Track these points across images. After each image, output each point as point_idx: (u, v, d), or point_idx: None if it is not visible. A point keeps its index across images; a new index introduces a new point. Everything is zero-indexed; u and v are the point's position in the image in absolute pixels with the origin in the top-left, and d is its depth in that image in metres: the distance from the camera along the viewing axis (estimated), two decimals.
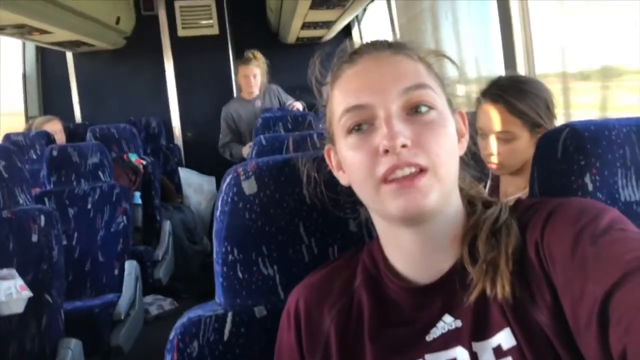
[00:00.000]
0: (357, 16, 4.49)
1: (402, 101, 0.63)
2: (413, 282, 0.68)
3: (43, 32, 3.39)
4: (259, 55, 3.88)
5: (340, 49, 0.72)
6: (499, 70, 2.15)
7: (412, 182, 0.61)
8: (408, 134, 0.61)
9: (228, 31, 4.84)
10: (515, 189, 1.33)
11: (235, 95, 4.61)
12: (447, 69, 0.75)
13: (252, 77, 3.84)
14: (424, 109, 0.63)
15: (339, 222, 0.84)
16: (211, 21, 4.81)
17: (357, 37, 4.82)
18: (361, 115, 0.64)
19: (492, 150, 1.32)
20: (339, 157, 0.70)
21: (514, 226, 0.64)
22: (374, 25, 4.43)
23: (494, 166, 1.34)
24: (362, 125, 0.64)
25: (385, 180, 0.62)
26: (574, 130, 0.77)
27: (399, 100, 0.63)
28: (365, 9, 4.30)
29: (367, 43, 0.71)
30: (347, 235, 0.84)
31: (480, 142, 1.35)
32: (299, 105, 3.89)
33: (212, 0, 4.76)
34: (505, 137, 1.30)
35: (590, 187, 0.75)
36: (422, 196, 0.61)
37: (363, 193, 0.67)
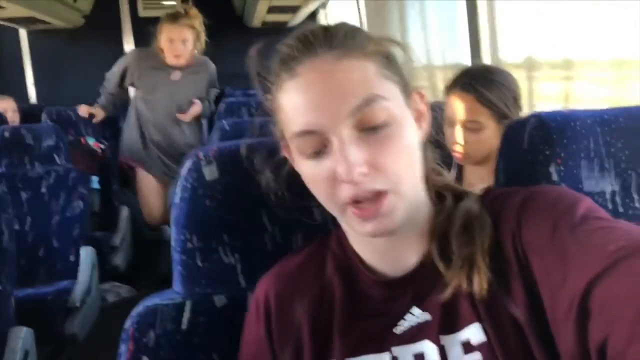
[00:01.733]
0: (323, 2, 4.45)
1: (354, 121, 0.58)
2: (383, 275, 0.67)
3: None
4: (194, 12, 2.98)
5: (277, 48, 0.65)
6: (465, 59, 2.17)
7: (375, 207, 0.59)
8: (364, 159, 0.57)
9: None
10: (479, 179, 1.34)
11: None
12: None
13: (181, 42, 2.93)
14: (379, 128, 0.59)
15: (304, 211, 0.82)
16: (174, 2, 4.69)
17: (324, 22, 4.78)
18: (314, 141, 0.60)
19: (459, 139, 1.32)
20: (296, 164, 0.67)
21: (487, 218, 0.63)
22: (340, 10, 4.40)
23: (459, 155, 1.34)
24: (317, 151, 0.60)
25: (349, 202, 0.60)
26: (541, 121, 0.77)
27: (349, 121, 0.58)
28: None
29: (305, 43, 0.61)
30: (311, 223, 0.82)
31: (447, 130, 1.35)
32: (196, 109, 3.10)
33: None
34: (472, 127, 1.30)
35: (555, 177, 0.75)
36: (387, 219, 0.59)
37: (328, 208, 0.65)
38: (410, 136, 0.62)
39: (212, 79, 3.24)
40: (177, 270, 0.81)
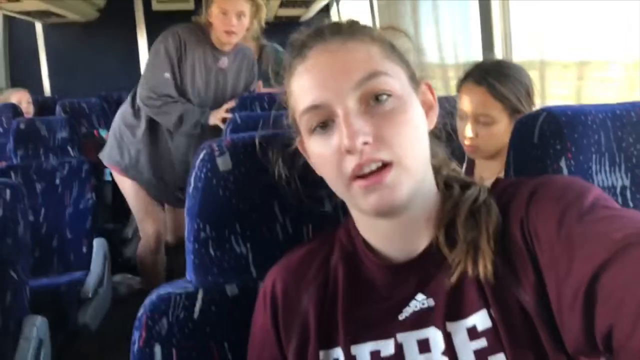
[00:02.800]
0: None
1: (358, 94, 0.61)
2: (388, 260, 0.68)
3: (12, 0, 3.27)
4: None
5: (290, 42, 0.69)
6: (477, 56, 2.16)
7: (380, 177, 0.60)
8: (368, 130, 0.59)
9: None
10: (490, 174, 1.33)
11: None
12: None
13: (236, 16, 2.19)
14: (382, 97, 0.61)
15: (314, 201, 0.83)
16: None
17: (336, 17, 4.78)
18: (320, 115, 0.62)
19: (470, 132, 1.32)
20: (307, 150, 0.69)
21: (493, 205, 0.64)
22: (353, 5, 4.39)
23: (470, 149, 1.34)
24: (325, 123, 0.63)
25: (354, 177, 0.61)
26: (551, 115, 0.77)
27: (354, 94, 0.61)
28: None
29: (316, 31, 0.67)
30: (322, 214, 0.83)
31: (458, 123, 1.35)
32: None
33: None
34: (484, 120, 1.30)
35: (565, 171, 0.75)
36: (391, 192, 0.60)
37: (335, 188, 0.66)
38: (416, 116, 0.64)
39: (251, 77, 2.52)
40: (189, 259, 0.83)
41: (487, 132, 1.30)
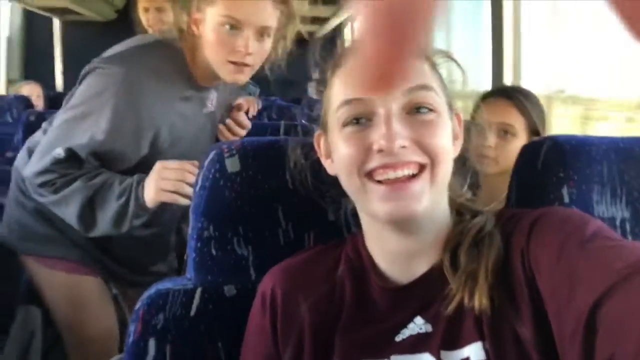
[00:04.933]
0: (350, 14, 4.50)
1: (404, 101, 0.62)
2: (393, 282, 0.68)
3: None
4: None
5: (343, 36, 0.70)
6: (487, 86, 2.18)
7: (406, 185, 0.60)
8: (407, 134, 0.60)
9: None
10: (495, 196, 1.34)
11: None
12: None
13: (255, 33, 1.19)
14: (424, 110, 0.62)
15: (318, 210, 0.84)
16: None
17: (350, 36, 4.83)
18: (360, 109, 0.63)
19: (492, 142, 1.34)
20: (331, 146, 0.69)
21: (496, 236, 0.64)
22: None
23: (489, 160, 1.36)
24: (360, 119, 0.63)
25: (371, 176, 0.61)
26: (556, 143, 0.78)
27: (401, 100, 0.61)
28: None
29: None
30: (324, 224, 0.84)
31: (477, 137, 1.38)
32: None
33: None
34: (507, 130, 1.33)
35: (566, 199, 0.76)
36: (413, 201, 0.60)
37: (349, 186, 0.66)
38: (448, 135, 0.65)
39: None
40: (191, 257, 0.84)
41: (508, 145, 1.32)
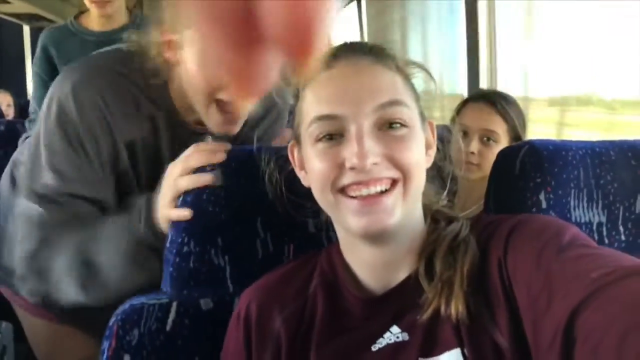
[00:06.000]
0: None
1: (375, 117, 0.61)
2: (369, 291, 0.68)
3: (2, 1, 3.26)
4: None
5: None
6: (462, 89, 2.20)
7: (379, 200, 0.60)
8: (378, 151, 0.60)
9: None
10: (472, 201, 1.35)
11: None
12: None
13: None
14: (396, 125, 0.62)
15: (298, 222, 0.83)
16: None
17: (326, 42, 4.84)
18: (332, 126, 0.62)
19: (474, 148, 1.34)
20: (304, 159, 0.69)
21: (472, 243, 0.64)
22: (344, 31, 4.45)
23: (473, 167, 1.36)
24: (332, 135, 0.63)
25: (344, 191, 0.62)
26: (533, 148, 0.78)
27: (372, 116, 0.61)
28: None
29: (346, 45, 0.68)
30: (305, 235, 0.83)
31: (462, 140, 1.38)
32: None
33: None
34: (489, 136, 1.33)
35: (544, 204, 0.76)
36: (386, 215, 0.61)
37: (323, 201, 0.66)
38: (420, 148, 0.65)
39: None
40: (167, 270, 0.82)
41: (490, 151, 1.33)
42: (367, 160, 0.59)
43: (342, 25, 4.42)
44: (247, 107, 0.96)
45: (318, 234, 0.83)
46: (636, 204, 0.79)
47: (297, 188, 0.75)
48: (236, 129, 0.98)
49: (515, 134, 1.34)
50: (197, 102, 0.94)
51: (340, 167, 0.61)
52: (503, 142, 1.33)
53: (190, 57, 0.90)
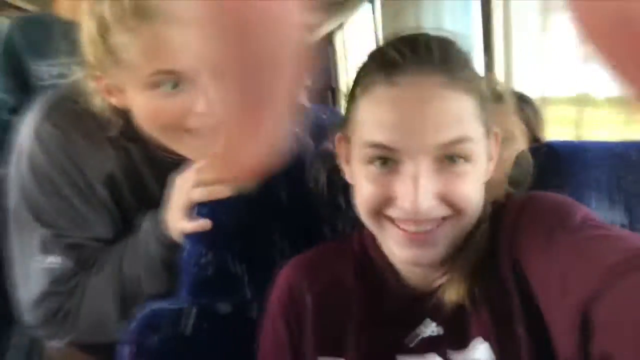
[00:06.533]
0: (341, 22, 4.50)
1: (437, 154, 0.56)
2: (408, 286, 0.67)
3: None
4: None
5: (381, 47, 0.62)
6: None
7: (427, 236, 0.58)
8: (435, 191, 0.56)
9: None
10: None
11: None
12: None
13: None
14: (458, 160, 0.57)
15: (314, 226, 0.83)
16: None
17: (340, 45, 4.83)
18: (387, 154, 0.58)
19: None
20: (352, 171, 0.65)
21: (482, 229, 0.63)
22: (358, 33, 4.44)
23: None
24: (386, 161, 0.58)
25: (390, 218, 0.60)
26: (552, 149, 0.78)
27: (433, 153, 0.56)
28: (350, 16, 4.31)
29: (412, 51, 0.58)
30: (320, 239, 0.83)
31: None
32: None
33: None
34: (507, 137, 1.31)
35: None
36: (433, 249, 0.59)
37: (366, 220, 0.63)
38: (480, 180, 0.61)
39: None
40: (186, 279, 0.82)
41: (507, 152, 1.31)
42: (422, 206, 0.56)
43: (357, 28, 4.42)
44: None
45: (333, 237, 0.83)
46: None
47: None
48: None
49: (533, 135, 1.32)
50: (164, 137, 0.86)
51: (390, 199, 0.58)
52: (520, 142, 1.32)
53: (135, 96, 0.81)
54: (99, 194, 0.91)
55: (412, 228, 0.58)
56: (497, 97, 0.68)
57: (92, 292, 0.89)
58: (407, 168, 0.57)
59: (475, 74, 0.61)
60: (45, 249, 0.89)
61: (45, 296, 0.88)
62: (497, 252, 0.61)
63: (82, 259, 0.90)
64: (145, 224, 0.90)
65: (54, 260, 0.89)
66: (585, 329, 0.48)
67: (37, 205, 0.88)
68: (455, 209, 0.58)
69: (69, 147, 0.88)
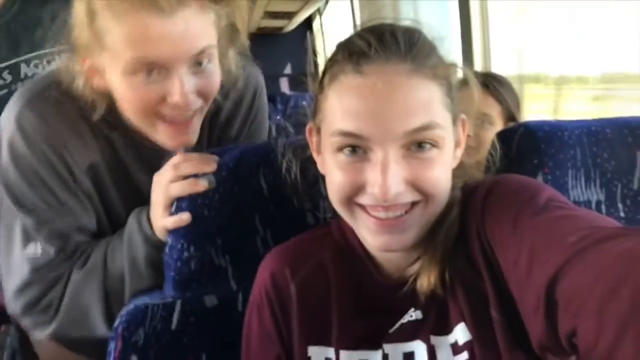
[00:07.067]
0: (319, 8, 4.47)
1: (405, 141, 0.57)
2: (388, 274, 0.68)
3: None
4: None
5: (349, 38, 0.62)
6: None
7: (397, 222, 0.59)
8: (402, 176, 0.57)
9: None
10: None
11: None
12: None
13: (189, 70, 0.81)
14: (425, 146, 0.58)
15: (296, 215, 0.83)
16: None
17: (318, 29, 4.81)
18: (356, 142, 0.58)
19: (470, 131, 1.33)
20: (324, 162, 0.66)
21: (452, 214, 0.64)
22: (336, 18, 4.42)
23: (471, 150, 1.35)
24: (355, 149, 0.59)
25: (362, 205, 0.60)
26: (528, 130, 0.78)
27: (401, 140, 0.57)
28: (327, 1, 4.29)
29: (379, 41, 0.58)
30: (304, 227, 0.83)
31: None
32: None
33: None
34: (483, 119, 1.32)
35: None
36: (403, 236, 0.60)
37: (339, 209, 0.64)
38: (447, 166, 0.62)
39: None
40: (169, 275, 0.82)
41: (486, 134, 1.31)
42: (390, 192, 0.56)
43: (335, 14, 4.40)
44: (202, 111, 0.87)
45: (317, 225, 0.83)
46: (634, 180, 0.79)
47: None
48: (193, 138, 0.89)
49: (510, 115, 1.33)
50: (140, 123, 0.86)
51: (360, 187, 0.59)
52: (498, 123, 1.33)
53: (115, 79, 0.82)
54: (82, 183, 0.91)
55: (382, 214, 0.59)
56: (463, 82, 0.68)
57: (75, 285, 0.89)
58: (376, 155, 0.57)
59: (441, 62, 0.61)
60: (27, 237, 0.89)
61: (26, 285, 0.89)
62: (467, 236, 0.62)
63: (66, 249, 0.90)
64: (130, 221, 0.89)
65: (35, 249, 0.89)
66: (551, 307, 0.49)
67: (20, 193, 0.88)
68: (424, 194, 0.59)
69: (51, 136, 0.87)
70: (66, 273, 0.89)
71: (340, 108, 0.59)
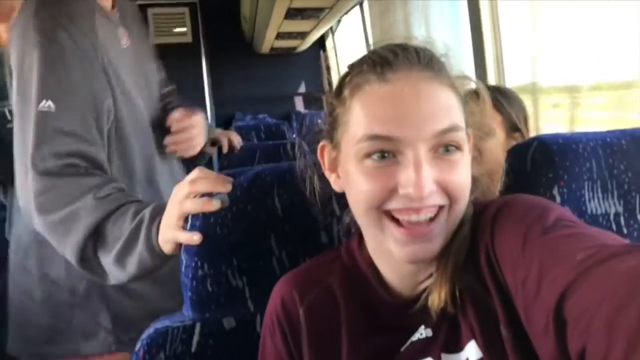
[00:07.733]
0: (331, 27, 4.52)
1: (433, 142, 0.59)
2: (397, 294, 0.68)
3: None
4: None
5: (369, 54, 0.65)
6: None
7: (426, 229, 0.60)
8: (434, 178, 0.59)
9: (201, 40, 4.81)
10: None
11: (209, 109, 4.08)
12: None
13: None
14: (452, 149, 0.60)
15: (310, 234, 0.83)
16: (185, 29, 4.77)
17: (331, 48, 4.85)
18: (385, 146, 0.59)
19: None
20: (344, 173, 0.66)
21: (463, 231, 0.64)
22: (348, 36, 4.46)
23: (473, 162, 1.35)
24: (384, 154, 0.60)
25: (389, 213, 0.60)
26: (542, 144, 0.78)
27: (430, 141, 0.59)
28: (339, 20, 4.33)
29: (403, 51, 0.62)
30: (318, 246, 0.83)
31: None
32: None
33: (186, 7, 4.74)
34: (485, 131, 1.31)
35: (558, 199, 0.76)
36: (431, 244, 0.60)
37: (363, 220, 0.64)
38: (468, 169, 0.64)
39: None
40: (187, 295, 0.82)
41: (487, 144, 1.30)
42: (425, 189, 0.57)
43: (347, 30, 4.43)
44: None
45: (331, 244, 0.83)
46: None
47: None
48: None
49: (512, 125, 1.32)
50: None
51: (391, 192, 0.59)
52: (499, 135, 1.32)
53: None
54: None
55: (413, 217, 0.59)
56: (474, 94, 0.70)
57: (81, 204, 1.00)
58: (407, 157, 0.59)
59: (455, 73, 0.65)
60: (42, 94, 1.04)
61: (42, 139, 1.03)
62: (476, 254, 0.63)
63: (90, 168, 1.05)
64: (146, 213, 0.95)
65: (48, 104, 1.03)
66: (560, 325, 0.49)
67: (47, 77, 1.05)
68: (451, 197, 0.60)
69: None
70: (89, 187, 1.01)
71: (366, 115, 0.61)
